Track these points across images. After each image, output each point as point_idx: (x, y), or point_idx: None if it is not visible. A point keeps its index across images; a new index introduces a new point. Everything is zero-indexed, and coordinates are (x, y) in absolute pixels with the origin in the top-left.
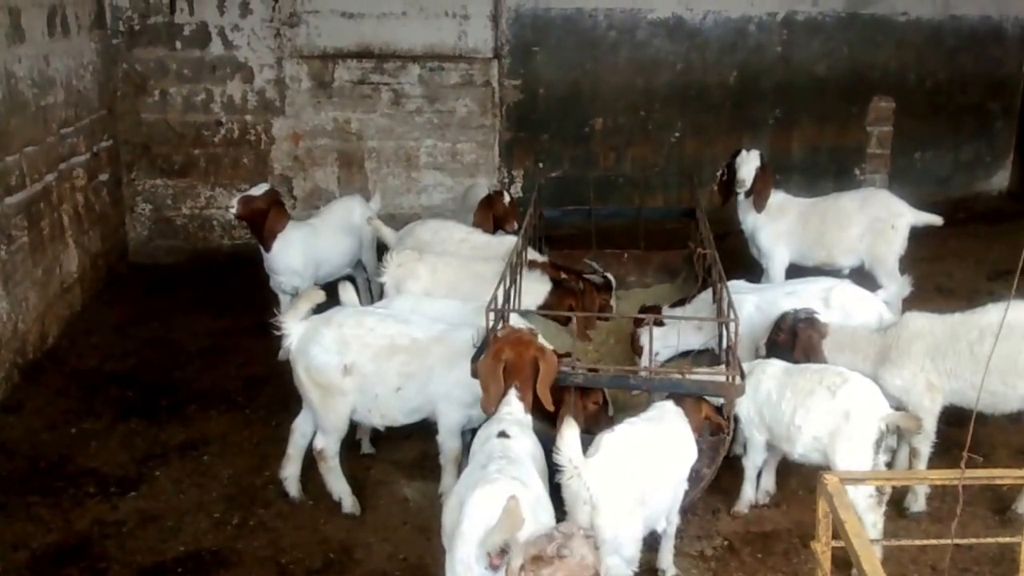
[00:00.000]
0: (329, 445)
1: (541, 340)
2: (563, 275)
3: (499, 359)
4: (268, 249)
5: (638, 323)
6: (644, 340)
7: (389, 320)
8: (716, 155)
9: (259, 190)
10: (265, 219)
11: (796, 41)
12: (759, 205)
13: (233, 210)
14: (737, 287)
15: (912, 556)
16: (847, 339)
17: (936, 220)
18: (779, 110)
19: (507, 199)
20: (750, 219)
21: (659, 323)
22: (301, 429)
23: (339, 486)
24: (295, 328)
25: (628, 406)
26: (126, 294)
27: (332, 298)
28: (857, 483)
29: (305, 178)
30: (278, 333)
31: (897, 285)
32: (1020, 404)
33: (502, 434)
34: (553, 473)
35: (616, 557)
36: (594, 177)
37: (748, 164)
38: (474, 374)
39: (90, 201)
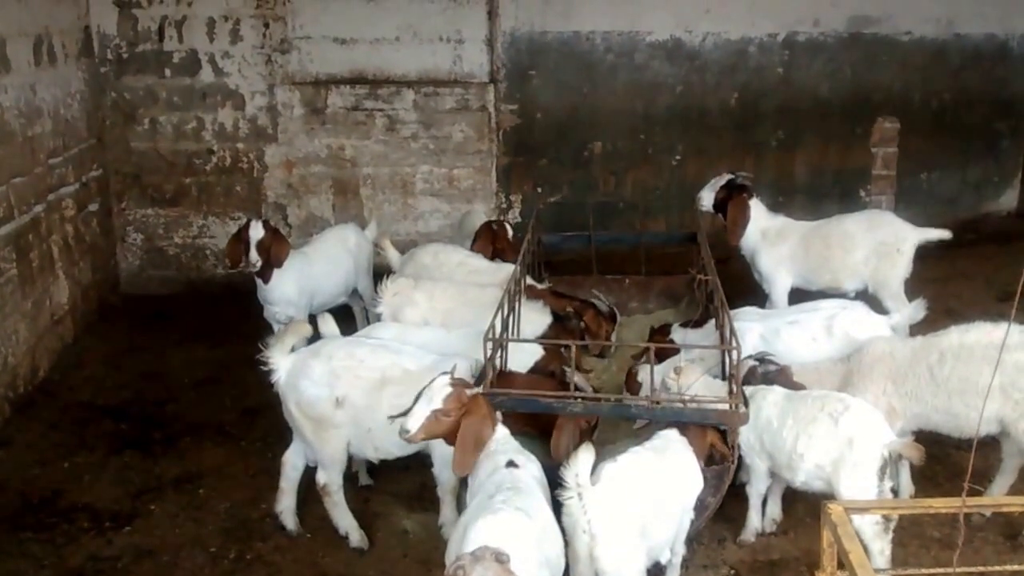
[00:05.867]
0: (331, 479)
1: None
2: (567, 304)
3: (490, 415)
4: (267, 280)
5: (637, 356)
6: (642, 376)
7: (380, 351)
8: None
9: (257, 231)
10: (269, 253)
11: (798, 62)
12: (731, 235)
13: (257, 264)
14: (746, 314)
15: None
16: (811, 373)
17: (944, 234)
18: (782, 132)
19: (510, 233)
20: (750, 243)
21: (659, 353)
22: (292, 462)
23: (345, 520)
24: (282, 362)
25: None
26: (118, 325)
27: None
28: (860, 512)
29: (299, 206)
30: (265, 368)
31: (908, 308)
32: (985, 426)
33: (511, 463)
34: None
35: None
36: (594, 202)
37: (710, 188)
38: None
39: (80, 232)
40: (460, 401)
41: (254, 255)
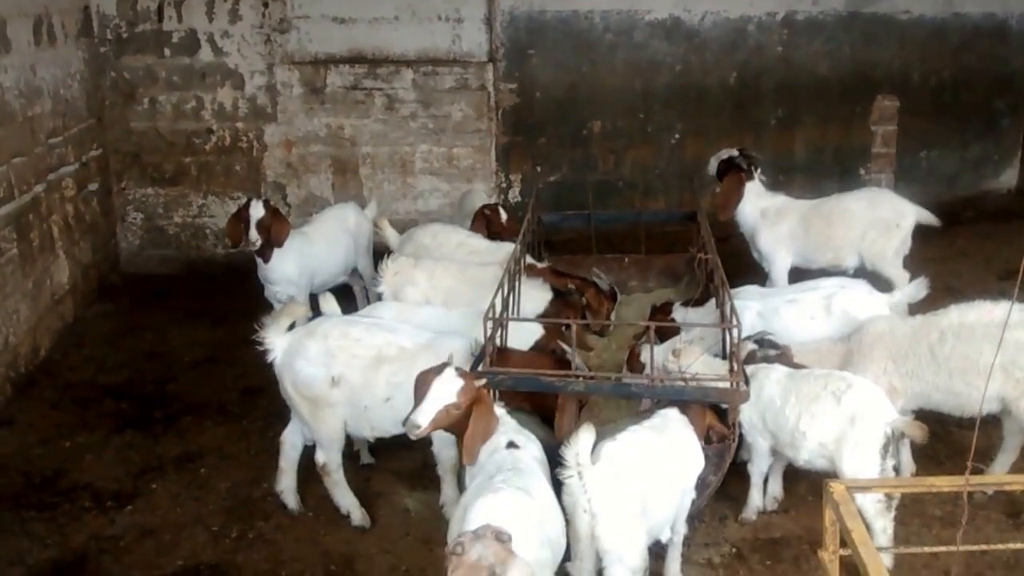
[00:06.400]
0: (330, 459)
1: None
2: (568, 281)
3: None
4: (267, 260)
5: (639, 336)
6: (645, 356)
7: (375, 329)
8: None
9: (257, 210)
10: (269, 233)
11: (797, 41)
12: (721, 211)
13: (257, 243)
14: (746, 293)
15: (925, 561)
16: (811, 354)
17: (934, 221)
18: (781, 110)
19: (504, 216)
20: (749, 223)
21: (659, 332)
22: (291, 441)
23: (346, 500)
24: (278, 342)
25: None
26: (118, 305)
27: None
28: (862, 491)
29: (299, 185)
30: (261, 348)
31: (909, 287)
32: (986, 405)
33: (511, 444)
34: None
35: (620, 566)
36: (593, 181)
37: (717, 157)
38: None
39: (80, 211)
40: (470, 393)
41: (254, 234)
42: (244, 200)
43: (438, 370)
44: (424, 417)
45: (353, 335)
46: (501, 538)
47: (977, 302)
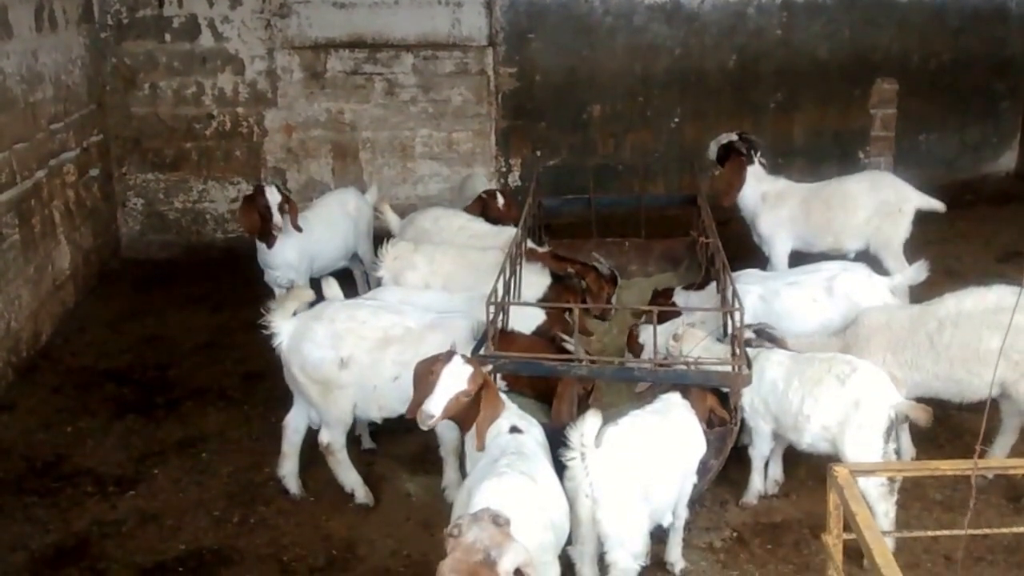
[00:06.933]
0: (335, 438)
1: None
2: (568, 266)
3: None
4: (271, 245)
5: (639, 317)
6: (644, 338)
7: (381, 311)
8: None
9: (275, 195)
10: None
11: (796, 24)
12: (724, 196)
13: (282, 227)
14: (747, 277)
15: (925, 545)
16: (806, 347)
17: (939, 206)
18: (780, 94)
19: (501, 201)
20: (749, 206)
21: (661, 317)
22: (293, 425)
23: (350, 478)
24: (284, 326)
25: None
26: (119, 290)
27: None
28: (866, 474)
29: (299, 170)
30: (267, 332)
31: (910, 270)
32: (986, 391)
33: (514, 429)
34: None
35: (622, 551)
36: (593, 165)
37: (717, 141)
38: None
39: (81, 197)
40: (479, 380)
41: (278, 218)
42: (246, 186)
43: (446, 358)
44: (437, 406)
45: (359, 317)
46: (498, 521)
47: (971, 288)
